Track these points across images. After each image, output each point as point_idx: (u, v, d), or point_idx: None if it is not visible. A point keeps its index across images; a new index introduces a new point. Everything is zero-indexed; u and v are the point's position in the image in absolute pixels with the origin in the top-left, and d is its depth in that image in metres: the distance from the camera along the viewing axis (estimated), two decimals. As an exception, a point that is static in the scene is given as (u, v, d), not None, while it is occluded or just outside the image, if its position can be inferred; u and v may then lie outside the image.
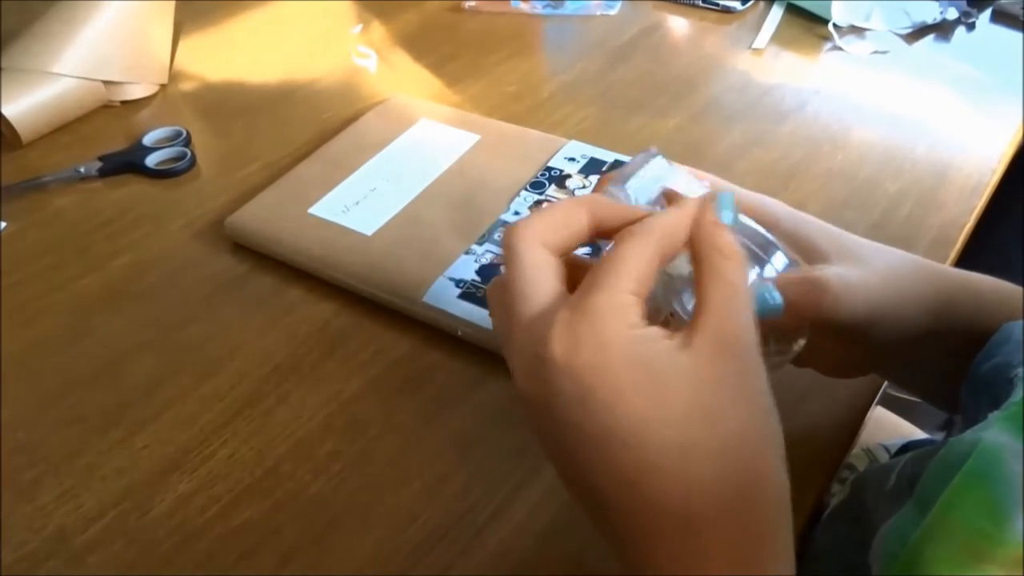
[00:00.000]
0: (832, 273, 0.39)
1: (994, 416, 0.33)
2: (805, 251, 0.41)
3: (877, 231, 0.63)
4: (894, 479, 0.39)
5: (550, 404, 0.30)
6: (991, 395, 0.37)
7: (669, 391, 0.30)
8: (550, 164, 0.66)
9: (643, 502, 0.29)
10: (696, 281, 0.32)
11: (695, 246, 0.33)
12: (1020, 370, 0.35)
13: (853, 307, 0.39)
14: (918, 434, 0.70)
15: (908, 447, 0.60)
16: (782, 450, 0.32)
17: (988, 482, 0.30)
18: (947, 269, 0.45)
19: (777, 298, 0.36)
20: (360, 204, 0.62)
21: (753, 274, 0.38)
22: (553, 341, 0.30)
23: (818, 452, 0.48)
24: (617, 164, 0.66)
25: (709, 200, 0.34)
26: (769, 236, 0.40)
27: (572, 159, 0.66)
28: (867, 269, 0.40)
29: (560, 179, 0.64)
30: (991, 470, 0.30)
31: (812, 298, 0.38)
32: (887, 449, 0.64)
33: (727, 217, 0.34)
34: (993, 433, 0.31)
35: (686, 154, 0.71)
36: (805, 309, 0.38)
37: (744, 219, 0.39)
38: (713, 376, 0.30)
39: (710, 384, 0.30)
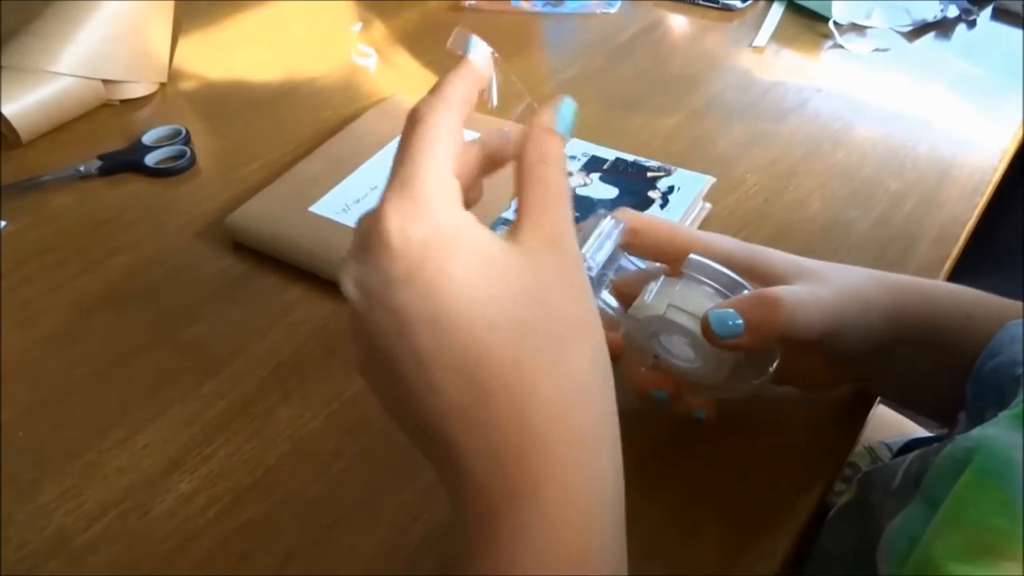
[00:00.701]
0: (784, 290, 0.41)
1: (1003, 415, 0.33)
2: (763, 277, 0.43)
3: (878, 229, 0.63)
4: (900, 477, 0.39)
5: (378, 294, 0.29)
6: (997, 393, 0.37)
7: (497, 272, 0.29)
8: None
9: (479, 391, 0.28)
10: (516, 185, 0.32)
11: (524, 152, 0.33)
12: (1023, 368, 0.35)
13: (808, 319, 0.41)
14: (920, 432, 0.70)
15: (910, 445, 0.60)
16: (606, 351, 0.31)
17: (1000, 479, 0.30)
18: (910, 280, 0.47)
19: (737, 320, 0.39)
20: (361, 202, 0.62)
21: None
22: (386, 220, 0.29)
23: (821, 451, 0.48)
24: (618, 161, 0.65)
25: (549, 108, 0.33)
26: (735, 276, 0.42)
27: (573, 157, 0.66)
28: (822, 284, 0.42)
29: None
30: (1003, 468, 0.30)
31: (769, 314, 0.40)
32: (889, 447, 0.64)
33: (561, 126, 0.33)
34: (1002, 431, 0.31)
35: (686, 153, 0.71)
36: (764, 326, 0.39)
37: (708, 262, 0.42)
38: (539, 264, 0.30)
39: (537, 271, 0.30)
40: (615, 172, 0.64)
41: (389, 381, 0.30)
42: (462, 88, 0.34)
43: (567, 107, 0.34)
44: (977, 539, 0.29)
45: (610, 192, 0.62)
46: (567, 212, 0.32)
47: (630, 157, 0.66)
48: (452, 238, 0.29)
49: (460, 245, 0.29)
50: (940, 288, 0.47)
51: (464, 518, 0.29)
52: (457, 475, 0.29)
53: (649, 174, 0.64)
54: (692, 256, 0.43)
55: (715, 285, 0.42)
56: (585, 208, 0.61)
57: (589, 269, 0.41)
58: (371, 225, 0.30)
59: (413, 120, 0.32)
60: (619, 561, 0.30)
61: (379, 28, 0.92)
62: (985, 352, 0.40)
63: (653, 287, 0.43)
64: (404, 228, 0.29)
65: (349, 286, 0.30)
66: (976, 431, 0.33)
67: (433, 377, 0.28)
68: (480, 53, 0.35)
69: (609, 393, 0.31)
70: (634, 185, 0.63)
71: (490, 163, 0.36)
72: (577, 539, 0.28)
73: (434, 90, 0.33)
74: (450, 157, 0.31)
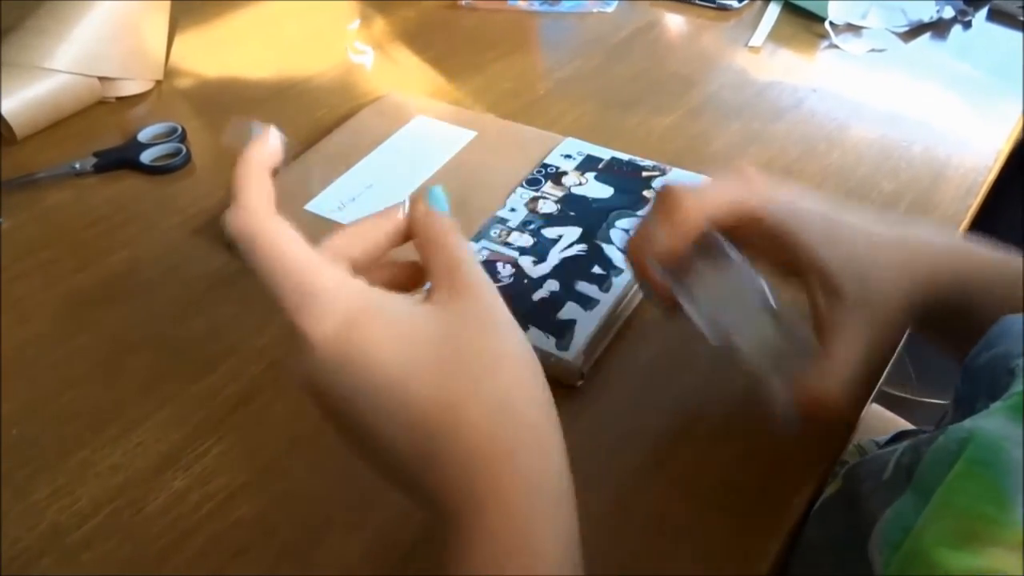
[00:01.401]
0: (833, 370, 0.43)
1: (996, 406, 0.33)
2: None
3: (873, 229, 0.63)
4: (891, 468, 0.39)
5: (322, 388, 0.33)
6: (989, 386, 0.37)
7: (409, 331, 0.32)
8: (546, 161, 0.66)
9: (421, 436, 0.31)
10: (422, 260, 0.36)
11: (416, 235, 0.36)
12: (1021, 361, 0.36)
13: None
14: (909, 427, 0.70)
15: (899, 437, 0.60)
16: (541, 373, 0.34)
17: (990, 469, 0.30)
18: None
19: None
20: (356, 200, 0.62)
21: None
22: (301, 327, 0.32)
23: (814, 450, 0.48)
24: (614, 161, 0.66)
25: (419, 201, 0.37)
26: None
27: (568, 156, 0.66)
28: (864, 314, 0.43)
29: (556, 176, 0.64)
30: (993, 458, 0.30)
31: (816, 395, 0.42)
32: (879, 445, 0.64)
33: (441, 206, 0.37)
34: (995, 422, 0.32)
35: (682, 152, 0.71)
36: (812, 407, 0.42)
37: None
38: (449, 314, 0.33)
39: (447, 320, 0.33)
40: (610, 171, 0.65)
41: (360, 446, 0.34)
42: (258, 185, 0.35)
43: (435, 197, 0.37)
44: (966, 526, 0.29)
45: (605, 191, 0.63)
46: (472, 266, 0.35)
47: (625, 156, 0.66)
48: (362, 314, 0.32)
49: (371, 318, 0.32)
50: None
51: (441, 549, 0.32)
52: (431, 510, 0.32)
53: (644, 173, 0.64)
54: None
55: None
56: (581, 208, 0.61)
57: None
58: (294, 333, 0.33)
59: (245, 239, 0.34)
60: (566, 559, 0.32)
61: (376, 26, 0.92)
62: (981, 344, 0.40)
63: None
64: (318, 328, 0.32)
65: (298, 384, 0.34)
66: (969, 422, 0.33)
67: (385, 438, 0.32)
68: (264, 138, 0.38)
69: (539, 406, 0.33)
70: (629, 184, 0.63)
71: (397, 238, 0.38)
72: (521, 546, 0.31)
73: (239, 204, 0.35)
74: (304, 245, 0.33)
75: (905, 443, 0.40)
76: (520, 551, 0.30)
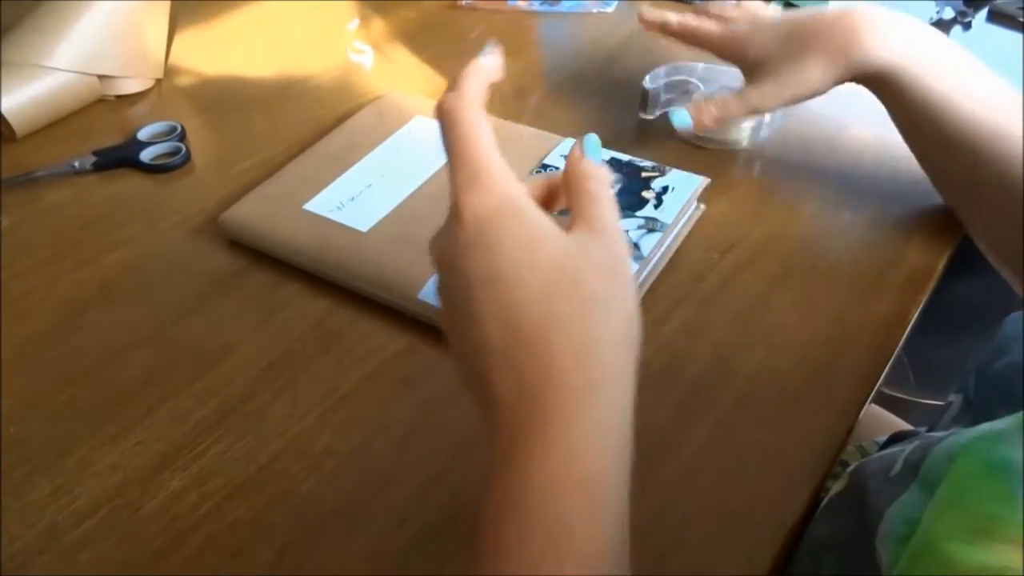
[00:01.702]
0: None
1: (1014, 419, 0.33)
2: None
3: (873, 231, 0.63)
4: (900, 465, 0.39)
5: (450, 260, 0.36)
6: (1006, 393, 0.37)
7: (542, 244, 0.35)
8: (545, 162, 0.66)
9: (511, 339, 0.34)
10: (569, 198, 0.38)
11: (568, 174, 0.39)
12: None
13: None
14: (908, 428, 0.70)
15: (895, 438, 0.60)
16: (638, 331, 0.36)
17: (1002, 473, 0.31)
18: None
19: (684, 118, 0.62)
20: (355, 200, 0.62)
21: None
22: (459, 199, 0.36)
23: (813, 450, 0.48)
24: (613, 162, 0.66)
25: (576, 147, 0.40)
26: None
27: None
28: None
29: (555, 177, 0.64)
30: (1004, 464, 0.31)
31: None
32: (878, 446, 0.64)
33: (593, 155, 0.40)
34: (1011, 431, 0.32)
35: (681, 153, 0.71)
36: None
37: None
38: (580, 247, 0.36)
39: (577, 252, 0.35)
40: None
41: (457, 328, 0.36)
42: (476, 83, 0.38)
43: (591, 145, 0.40)
44: (975, 523, 0.30)
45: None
46: (611, 212, 0.37)
47: (625, 157, 0.66)
48: (512, 210, 0.35)
49: (517, 218, 0.35)
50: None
51: (493, 448, 0.34)
52: (492, 408, 0.34)
53: (644, 174, 0.64)
54: None
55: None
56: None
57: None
58: (451, 204, 0.36)
59: (450, 118, 0.37)
60: (618, 496, 0.34)
61: (375, 26, 0.92)
62: (992, 348, 0.40)
63: None
64: (474, 204, 0.35)
65: (434, 254, 0.38)
66: (985, 426, 0.34)
67: (483, 324, 0.34)
68: (495, 53, 0.41)
69: (625, 360, 0.35)
70: (628, 185, 0.63)
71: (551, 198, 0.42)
72: (577, 468, 0.32)
73: (457, 88, 0.38)
74: (491, 141, 0.37)
75: (915, 442, 0.40)
76: (576, 482, 0.32)
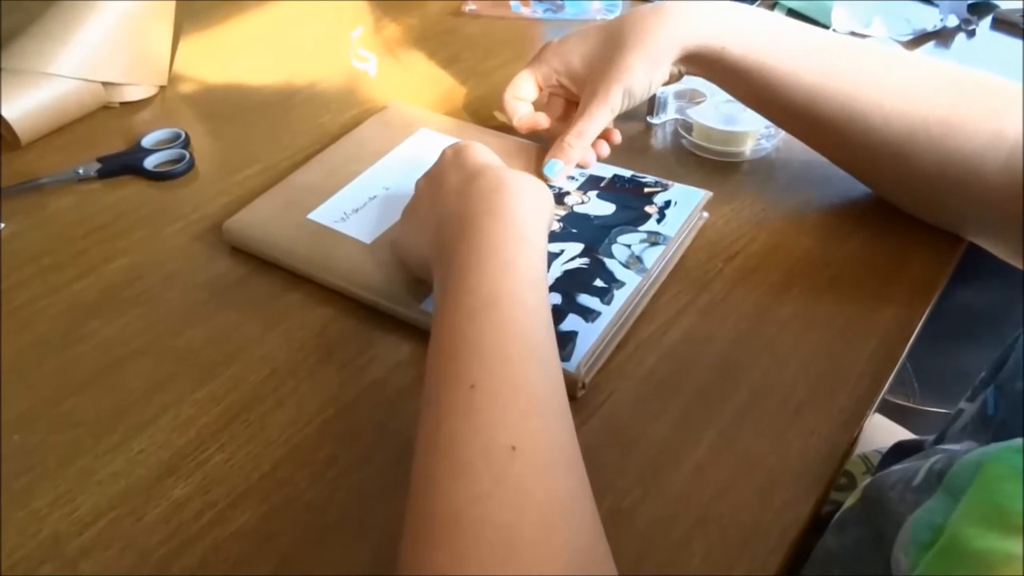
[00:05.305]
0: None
1: None
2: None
3: (875, 240, 0.63)
4: (923, 474, 0.39)
5: (428, 173, 0.56)
6: None
7: (492, 159, 0.54)
8: (550, 183, 0.65)
9: (469, 179, 0.51)
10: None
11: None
12: None
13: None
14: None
15: (898, 447, 0.60)
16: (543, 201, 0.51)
17: None
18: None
19: (552, 167, 0.65)
20: (359, 212, 0.62)
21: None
22: (447, 149, 0.55)
23: (817, 461, 0.48)
24: (616, 178, 0.65)
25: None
26: None
27: (571, 177, 0.66)
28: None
29: (559, 196, 0.63)
30: None
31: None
32: (882, 455, 0.64)
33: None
34: None
35: (684, 166, 0.71)
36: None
37: None
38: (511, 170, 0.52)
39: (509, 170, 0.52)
40: (612, 189, 0.64)
41: (422, 206, 0.54)
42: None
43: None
44: (1008, 521, 0.29)
45: (607, 208, 0.62)
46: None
47: (627, 173, 0.66)
48: (471, 145, 0.55)
49: (473, 146, 0.55)
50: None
51: (454, 243, 0.47)
52: (451, 228, 0.49)
53: (646, 190, 0.64)
54: None
55: None
56: (583, 225, 0.61)
57: None
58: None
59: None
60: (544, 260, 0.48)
61: (379, 33, 0.92)
62: (1011, 366, 0.40)
63: None
64: (449, 148, 0.56)
65: (419, 183, 0.56)
66: (1018, 440, 0.33)
67: (447, 178, 0.52)
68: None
69: (538, 227, 0.50)
70: (631, 201, 0.63)
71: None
72: (517, 228, 0.47)
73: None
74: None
75: (940, 454, 0.40)
76: (516, 238, 0.47)
